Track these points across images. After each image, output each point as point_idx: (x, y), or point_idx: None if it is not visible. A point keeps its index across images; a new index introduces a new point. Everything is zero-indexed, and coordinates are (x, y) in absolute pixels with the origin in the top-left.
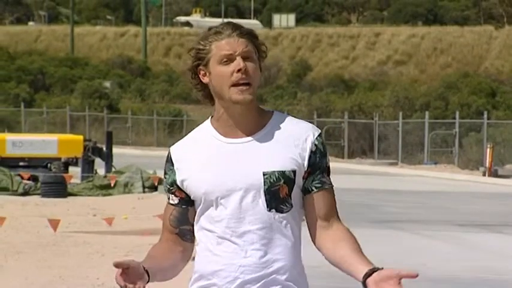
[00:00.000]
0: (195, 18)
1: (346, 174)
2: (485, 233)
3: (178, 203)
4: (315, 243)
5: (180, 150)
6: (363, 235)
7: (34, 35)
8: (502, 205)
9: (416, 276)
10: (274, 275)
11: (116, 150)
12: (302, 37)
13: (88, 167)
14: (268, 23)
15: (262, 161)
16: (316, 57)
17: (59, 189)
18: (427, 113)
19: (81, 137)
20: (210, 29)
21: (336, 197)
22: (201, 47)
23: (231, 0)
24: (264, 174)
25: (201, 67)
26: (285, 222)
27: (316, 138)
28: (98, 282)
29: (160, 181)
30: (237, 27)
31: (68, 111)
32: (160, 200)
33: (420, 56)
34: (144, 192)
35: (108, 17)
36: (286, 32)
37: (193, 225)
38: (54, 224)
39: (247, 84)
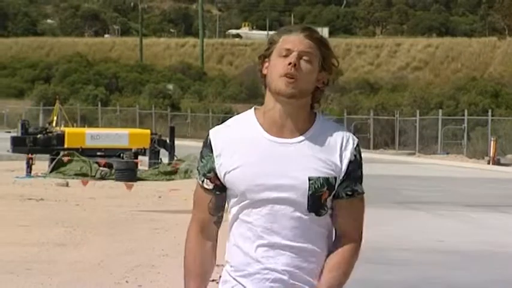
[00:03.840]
0: (244, 31)
1: (372, 162)
2: (490, 212)
3: (212, 189)
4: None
5: (221, 137)
6: (387, 214)
7: (109, 45)
8: (504, 189)
9: None
10: (304, 272)
11: (177, 142)
12: (334, 47)
13: (154, 156)
14: None
15: (307, 166)
16: (346, 64)
17: (130, 174)
18: (440, 111)
19: (148, 131)
20: (289, 26)
21: (364, 205)
22: (273, 39)
23: (274, 16)
24: (309, 180)
25: (266, 58)
26: (321, 225)
27: (355, 148)
28: (162, 253)
29: None
30: (308, 30)
31: (137, 109)
32: None
33: (435, 63)
34: None
35: (171, 30)
36: None
37: (224, 210)
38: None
39: (294, 79)
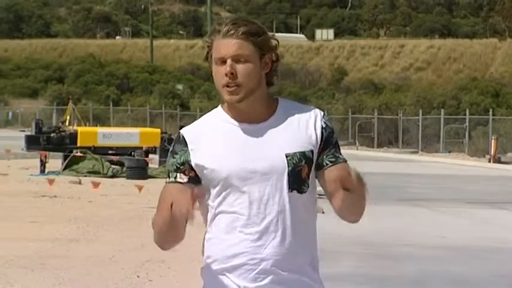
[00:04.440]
0: None
1: (376, 161)
2: (491, 209)
3: (187, 182)
4: (336, 212)
5: (194, 133)
6: (390, 211)
7: (120, 46)
8: (504, 186)
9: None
10: (293, 258)
11: None
12: (339, 48)
13: (164, 155)
14: (311, 37)
15: (282, 144)
16: (351, 65)
17: (141, 172)
18: (442, 110)
19: (158, 130)
20: (216, 24)
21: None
22: (207, 43)
23: (281, 18)
24: (286, 156)
25: (209, 61)
26: (304, 202)
27: (323, 116)
28: (173, 249)
29: None
30: (234, 26)
31: (148, 109)
32: None
33: (437, 64)
34: None
35: (181, 32)
36: (326, 44)
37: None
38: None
39: (236, 86)
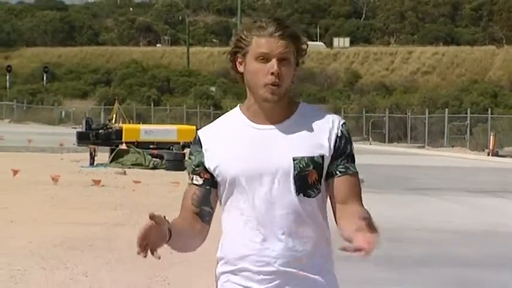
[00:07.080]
0: None
1: (387, 154)
2: (490, 197)
3: (202, 184)
4: (336, 223)
5: (208, 133)
6: (400, 199)
7: (160, 53)
8: (502, 177)
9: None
10: (301, 260)
11: None
12: (354, 54)
13: None
14: (329, 44)
15: (291, 147)
16: (365, 69)
17: (178, 164)
18: (446, 109)
19: (194, 127)
20: (255, 21)
21: (360, 183)
22: (243, 37)
23: (302, 28)
24: (293, 160)
25: (238, 55)
26: (312, 207)
27: (342, 125)
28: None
29: None
30: (281, 27)
31: (184, 108)
32: None
33: (441, 68)
34: None
35: (214, 40)
36: (343, 51)
37: (213, 208)
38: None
39: (278, 85)
